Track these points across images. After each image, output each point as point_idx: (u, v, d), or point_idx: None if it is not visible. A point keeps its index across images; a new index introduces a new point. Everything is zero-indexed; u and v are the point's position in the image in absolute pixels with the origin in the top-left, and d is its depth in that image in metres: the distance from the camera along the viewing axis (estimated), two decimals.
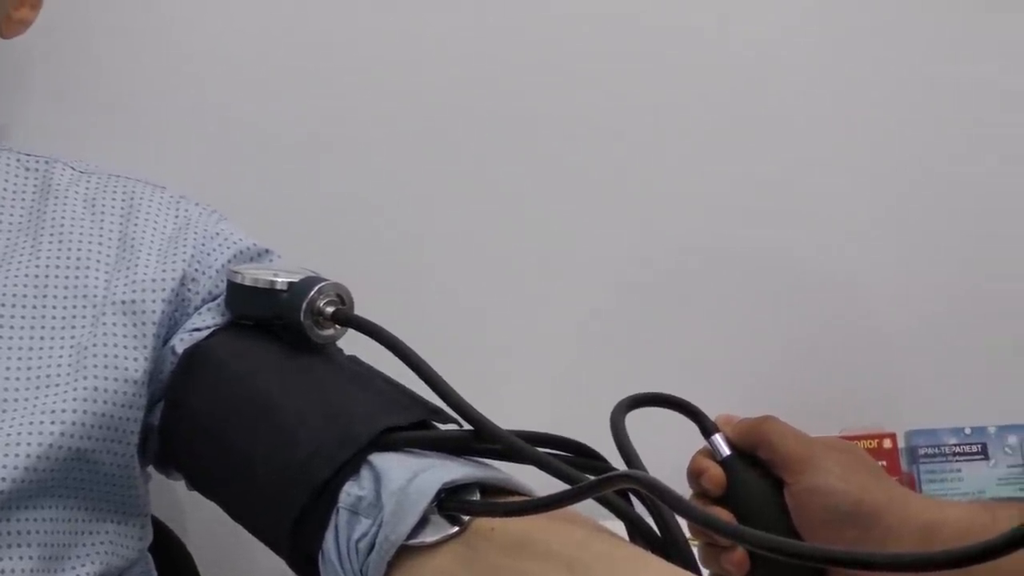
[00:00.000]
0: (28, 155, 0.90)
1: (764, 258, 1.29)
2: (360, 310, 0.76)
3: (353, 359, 0.79)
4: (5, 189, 0.85)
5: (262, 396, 0.74)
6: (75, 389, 0.74)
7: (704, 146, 1.33)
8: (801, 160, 1.36)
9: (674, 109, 1.34)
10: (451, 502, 0.65)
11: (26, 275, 0.79)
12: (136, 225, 0.84)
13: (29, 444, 0.71)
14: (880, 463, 0.85)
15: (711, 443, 0.77)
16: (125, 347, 0.77)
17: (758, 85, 1.35)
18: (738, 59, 1.32)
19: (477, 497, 0.66)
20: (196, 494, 0.81)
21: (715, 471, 0.77)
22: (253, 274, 0.78)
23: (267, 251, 0.86)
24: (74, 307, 0.79)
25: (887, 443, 1.14)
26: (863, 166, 1.37)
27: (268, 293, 0.76)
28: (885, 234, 1.37)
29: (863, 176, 1.37)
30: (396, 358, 0.73)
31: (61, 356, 0.76)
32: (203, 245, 0.83)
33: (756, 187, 1.34)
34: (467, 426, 0.70)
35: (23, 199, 0.85)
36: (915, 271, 1.33)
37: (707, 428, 0.77)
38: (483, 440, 0.69)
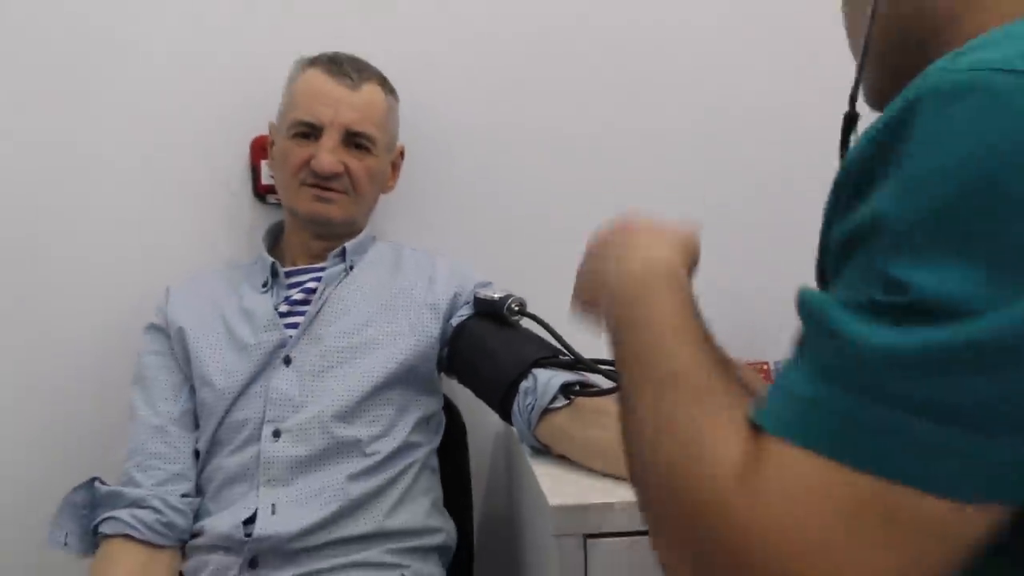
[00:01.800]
0: (390, 243, 1.39)
1: None
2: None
3: (527, 330, 1.25)
4: (381, 256, 1.34)
5: (487, 344, 1.23)
6: (411, 341, 1.25)
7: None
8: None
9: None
10: (567, 390, 1.13)
11: (390, 296, 1.28)
12: (435, 268, 1.32)
13: (392, 364, 1.23)
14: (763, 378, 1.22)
15: None
16: (430, 323, 1.27)
17: None
18: None
19: (578, 388, 1.13)
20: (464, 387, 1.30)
21: None
22: (485, 293, 1.26)
23: (490, 283, 1.32)
24: (408, 307, 1.27)
25: (766, 367, 1.42)
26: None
27: (491, 301, 1.25)
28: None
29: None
30: (541, 327, 1.22)
31: (403, 327, 1.26)
32: (462, 280, 1.31)
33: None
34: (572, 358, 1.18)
35: (388, 262, 1.34)
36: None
37: None
38: (580, 363, 1.17)
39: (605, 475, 1.05)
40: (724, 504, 0.46)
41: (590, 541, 0.97)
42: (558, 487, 1.03)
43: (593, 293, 0.73)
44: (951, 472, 0.43)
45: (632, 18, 1.51)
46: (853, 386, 0.45)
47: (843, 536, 0.44)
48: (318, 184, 1.27)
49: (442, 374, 1.33)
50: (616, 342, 0.60)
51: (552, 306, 1.22)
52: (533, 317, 1.23)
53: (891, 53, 0.63)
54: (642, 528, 0.94)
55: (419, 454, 1.26)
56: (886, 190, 0.47)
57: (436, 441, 1.31)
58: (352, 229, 1.33)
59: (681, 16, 1.52)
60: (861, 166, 0.49)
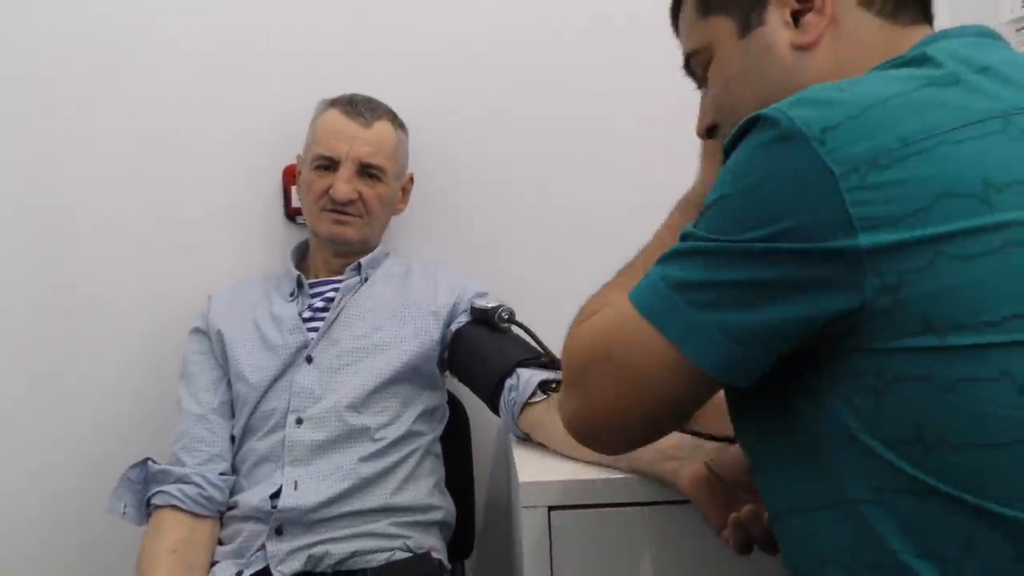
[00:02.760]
0: (401, 258, 1.56)
1: None
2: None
3: (515, 335, 1.40)
4: (392, 270, 1.51)
5: (480, 347, 1.39)
6: (415, 343, 1.42)
7: None
8: None
9: None
10: (544, 386, 1.28)
11: (398, 305, 1.45)
12: (438, 280, 1.49)
13: (398, 363, 1.39)
14: None
15: None
16: (432, 329, 1.43)
17: None
18: None
19: (554, 385, 1.28)
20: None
21: None
22: (480, 303, 1.42)
23: (486, 293, 1.48)
24: (414, 315, 1.44)
25: None
26: None
27: (485, 310, 1.41)
28: None
29: None
30: (526, 333, 1.39)
31: (409, 331, 1.42)
32: (461, 290, 1.47)
33: None
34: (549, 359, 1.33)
35: (398, 275, 1.51)
36: None
37: None
38: (557, 364, 1.30)
39: (573, 458, 1.19)
40: (568, 336, 0.81)
41: (554, 512, 1.13)
42: (530, 467, 1.19)
43: None
44: (671, 320, 0.70)
45: (628, 54, 1.66)
46: (658, 264, 0.74)
47: (603, 346, 0.75)
48: (336, 209, 1.44)
49: (446, 373, 1.50)
50: None
51: (536, 314, 1.42)
52: (520, 324, 1.40)
53: None
54: (600, 501, 1.12)
55: (422, 441, 1.43)
56: (716, 183, 0.72)
57: (439, 430, 1.48)
58: (367, 247, 1.51)
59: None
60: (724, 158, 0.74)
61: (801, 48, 0.80)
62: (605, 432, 0.79)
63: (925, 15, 0.82)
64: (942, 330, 0.63)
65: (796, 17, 0.80)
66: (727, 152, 0.73)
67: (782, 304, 0.66)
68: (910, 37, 0.78)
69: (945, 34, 0.77)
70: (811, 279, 0.65)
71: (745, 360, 0.69)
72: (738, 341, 0.68)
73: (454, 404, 1.57)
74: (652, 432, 0.80)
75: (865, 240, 0.63)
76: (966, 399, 0.63)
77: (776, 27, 0.81)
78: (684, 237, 0.73)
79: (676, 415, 0.78)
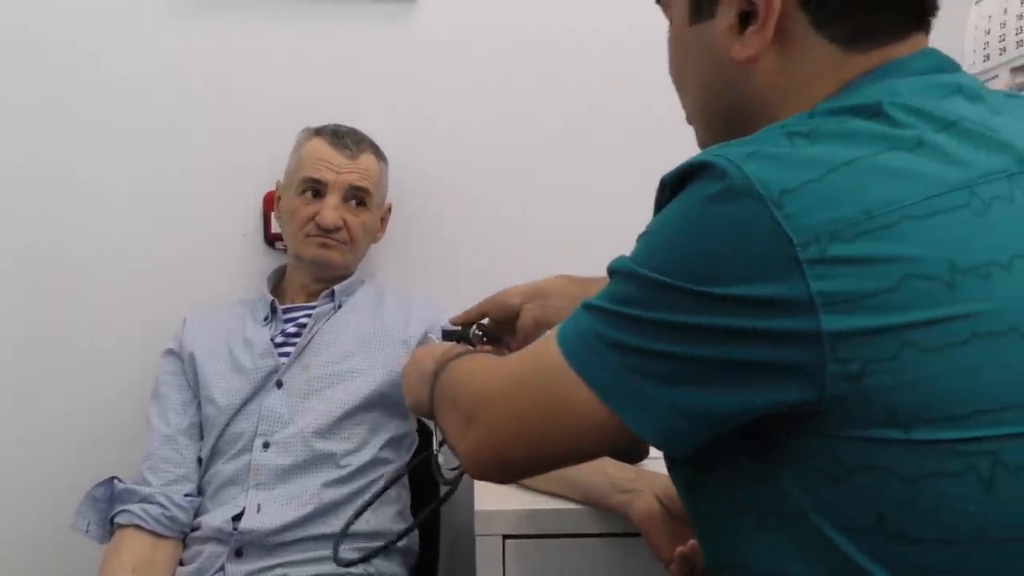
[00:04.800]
0: (376, 285, 1.56)
1: None
2: None
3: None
4: (366, 297, 1.51)
5: None
6: (383, 371, 1.41)
7: None
8: None
9: None
10: None
11: (370, 333, 1.45)
12: (411, 310, 1.49)
13: (367, 390, 1.39)
14: None
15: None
16: (402, 357, 1.41)
17: None
18: None
19: None
20: None
21: None
22: (450, 327, 1.38)
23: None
24: (384, 343, 1.44)
25: None
26: None
27: (456, 332, 1.32)
28: None
29: None
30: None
31: (379, 359, 1.42)
32: (433, 320, 1.46)
33: None
34: None
35: (371, 303, 1.51)
36: None
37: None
38: None
39: (534, 489, 1.17)
40: (448, 370, 0.83)
41: (508, 541, 1.12)
42: (487, 496, 1.17)
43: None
44: (606, 381, 0.64)
45: (611, 88, 1.69)
46: (591, 308, 0.67)
47: (520, 384, 0.69)
48: (321, 235, 1.46)
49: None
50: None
51: None
52: (495, 338, 1.37)
53: (715, 122, 0.78)
54: (555, 532, 1.12)
55: (388, 469, 1.41)
56: (652, 221, 0.66)
57: (406, 458, 1.46)
58: (346, 272, 1.52)
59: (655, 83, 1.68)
60: (659, 196, 0.67)
61: (739, 63, 0.71)
62: (508, 467, 0.73)
63: (896, 35, 0.70)
64: (907, 424, 0.58)
65: (745, 20, 0.71)
66: (670, 190, 0.65)
67: (734, 388, 0.60)
68: (863, 65, 0.69)
69: (898, 68, 0.68)
70: (767, 363, 0.59)
71: (692, 434, 0.63)
72: (685, 416, 0.62)
73: (424, 432, 1.55)
74: (557, 467, 0.74)
75: (827, 322, 0.57)
76: (930, 493, 0.58)
77: (722, 28, 0.72)
78: (618, 272, 0.65)
79: (592, 458, 0.72)
